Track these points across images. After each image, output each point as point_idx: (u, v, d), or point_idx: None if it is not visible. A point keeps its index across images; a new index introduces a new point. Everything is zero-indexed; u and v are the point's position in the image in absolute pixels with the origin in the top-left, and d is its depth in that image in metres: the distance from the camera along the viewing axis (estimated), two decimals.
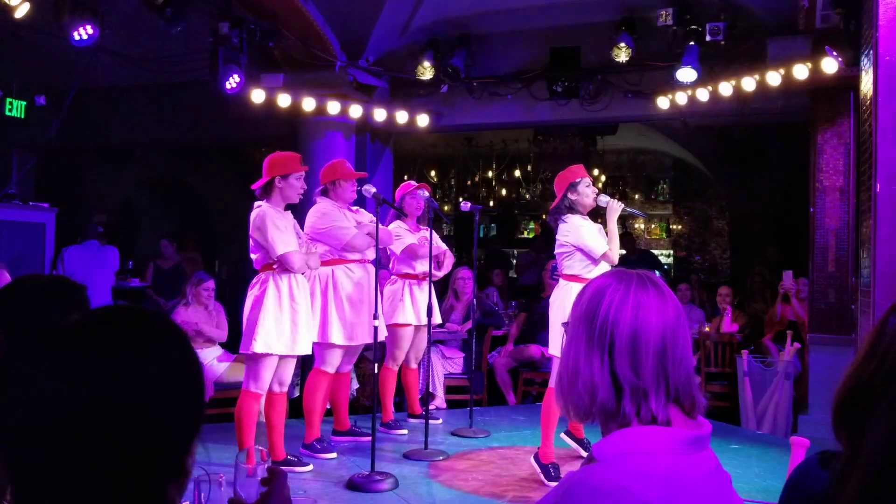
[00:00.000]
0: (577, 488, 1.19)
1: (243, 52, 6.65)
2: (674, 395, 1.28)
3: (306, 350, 4.55)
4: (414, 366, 5.79)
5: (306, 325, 4.51)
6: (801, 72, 6.28)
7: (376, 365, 4.76)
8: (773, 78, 6.51)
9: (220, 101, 7.30)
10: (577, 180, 4.64)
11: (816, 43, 6.18)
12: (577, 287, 4.29)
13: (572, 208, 4.65)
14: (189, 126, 9.42)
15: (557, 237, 4.67)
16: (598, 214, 4.76)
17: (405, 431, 5.53)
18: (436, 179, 14.05)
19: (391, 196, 6.38)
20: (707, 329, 7.19)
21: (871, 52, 2.74)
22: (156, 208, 12.63)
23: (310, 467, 4.59)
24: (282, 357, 4.47)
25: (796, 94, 6.70)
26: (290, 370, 4.61)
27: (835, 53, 5.79)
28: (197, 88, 7.61)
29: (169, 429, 0.91)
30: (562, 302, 4.49)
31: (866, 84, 2.98)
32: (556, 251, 4.70)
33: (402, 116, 8.12)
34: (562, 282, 4.62)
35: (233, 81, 6.66)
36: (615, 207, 4.68)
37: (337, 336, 4.86)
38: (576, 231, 4.57)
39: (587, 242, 4.52)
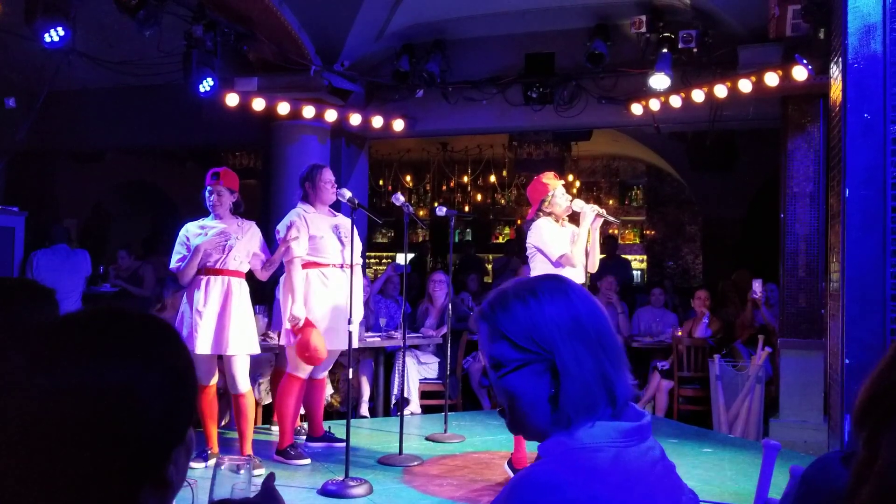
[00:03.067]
0: (522, 485, 1.20)
1: (217, 56, 6.61)
2: (611, 388, 1.29)
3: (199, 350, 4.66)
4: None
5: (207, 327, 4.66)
6: (772, 79, 6.37)
7: (351, 371, 4.74)
8: (745, 85, 6.59)
9: (194, 104, 7.25)
10: (548, 195, 4.70)
11: (787, 51, 6.27)
12: None
13: (547, 214, 4.72)
14: (162, 129, 9.33)
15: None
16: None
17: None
18: (411, 184, 14.05)
19: (366, 201, 6.36)
20: (680, 333, 7.25)
21: (840, 59, 2.78)
22: (127, 212, 12.50)
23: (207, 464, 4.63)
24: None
25: (767, 101, 6.80)
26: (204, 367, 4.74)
27: (805, 61, 5.88)
28: (170, 91, 7.55)
29: (146, 429, 0.87)
30: None
31: (835, 91, 3.03)
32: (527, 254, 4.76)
33: (377, 121, 8.11)
34: None
35: (206, 85, 6.61)
36: (587, 212, 4.73)
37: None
38: (537, 233, 4.65)
39: (545, 244, 4.58)
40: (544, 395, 1.28)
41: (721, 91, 6.83)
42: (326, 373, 5.37)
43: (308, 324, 4.75)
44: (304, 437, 5.37)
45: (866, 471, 0.84)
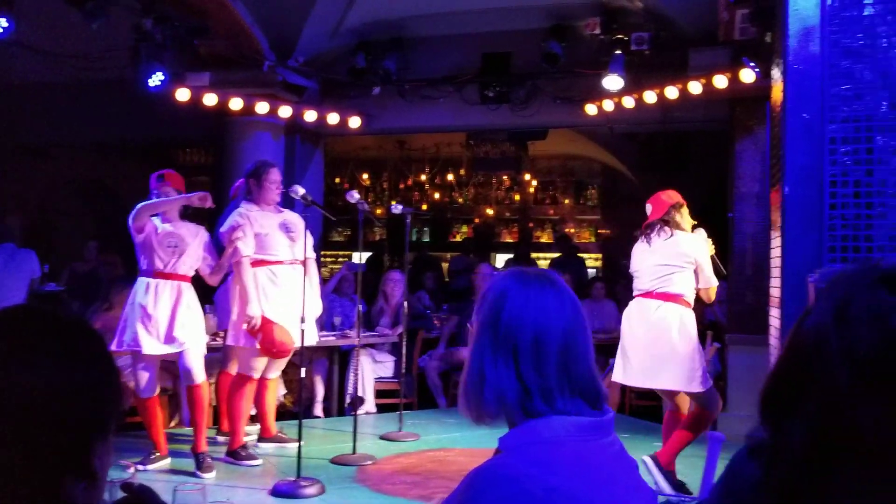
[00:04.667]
0: (481, 477, 1.21)
1: (167, 50, 6.50)
2: (577, 390, 1.31)
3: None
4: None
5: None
6: (720, 81, 6.49)
7: (303, 370, 4.71)
8: (695, 87, 6.71)
9: (143, 99, 7.11)
10: (681, 206, 4.58)
11: (735, 54, 6.39)
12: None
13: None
14: (110, 125, 9.15)
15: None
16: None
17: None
18: (368, 182, 13.98)
19: (321, 199, 6.32)
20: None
21: (781, 61, 2.85)
22: (75, 210, 12.22)
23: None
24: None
25: (717, 103, 6.92)
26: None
27: (752, 64, 6.00)
28: (118, 86, 7.40)
29: (65, 424, 0.91)
30: None
31: (776, 92, 3.10)
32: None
33: (332, 118, 8.06)
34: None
35: (156, 79, 6.50)
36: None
37: (251, 339, 4.79)
38: (698, 247, 4.51)
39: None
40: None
41: (672, 93, 6.94)
42: (279, 373, 5.31)
43: (266, 321, 4.70)
44: (256, 438, 5.31)
45: (773, 459, 0.86)
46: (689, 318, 4.40)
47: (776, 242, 3.00)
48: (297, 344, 4.73)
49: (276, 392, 5.48)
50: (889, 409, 0.80)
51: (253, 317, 4.69)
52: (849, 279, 0.88)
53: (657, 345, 4.33)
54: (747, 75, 6.16)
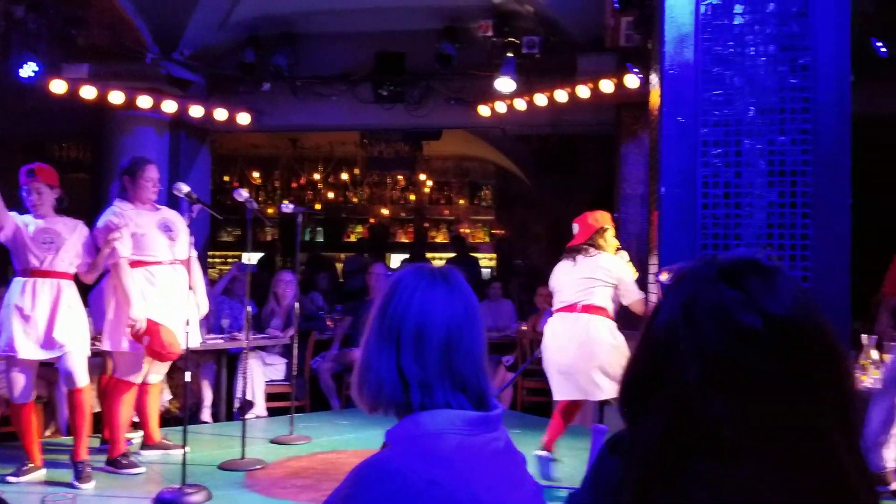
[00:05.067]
0: (365, 473, 1.21)
1: (42, 39, 6.17)
2: (460, 385, 1.31)
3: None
4: (153, 380, 5.03)
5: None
6: (607, 87, 6.72)
7: (188, 374, 4.55)
8: (583, 91, 6.91)
9: (15, 91, 6.71)
10: (607, 230, 4.63)
11: (621, 60, 6.63)
12: None
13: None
14: None
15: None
16: None
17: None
18: (259, 181, 13.69)
19: (208, 196, 6.13)
20: (524, 328, 7.47)
21: (659, 66, 2.97)
22: None
23: None
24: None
25: (604, 107, 7.16)
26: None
27: (636, 70, 6.24)
28: None
29: None
30: None
31: (654, 97, 3.23)
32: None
33: (220, 114, 7.84)
34: None
35: (29, 70, 6.17)
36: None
37: (132, 343, 4.60)
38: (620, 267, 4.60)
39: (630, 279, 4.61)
40: None
41: (562, 96, 7.12)
42: (161, 377, 5.12)
43: (152, 323, 4.52)
44: (139, 445, 5.11)
45: (631, 452, 0.89)
46: (615, 328, 4.52)
47: (654, 241, 3.12)
48: (182, 347, 4.58)
49: (159, 397, 5.29)
50: (736, 401, 0.83)
51: (137, 320, 4.49)
52: (692, 276, 0.91)
53: (584, 357, 4.42)
54: (632, 81, 6.40)
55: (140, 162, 4.84)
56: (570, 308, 4.52)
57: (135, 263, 4.64)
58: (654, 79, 3.22)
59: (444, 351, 1.30)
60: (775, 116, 2.78)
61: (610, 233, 4.65)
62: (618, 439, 1.02)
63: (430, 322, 1.31)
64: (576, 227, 4.71)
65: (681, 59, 2.80)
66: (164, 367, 5.04)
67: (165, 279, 4.70)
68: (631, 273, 4.59)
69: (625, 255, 4.79)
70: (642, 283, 5.30)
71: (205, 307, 5.01)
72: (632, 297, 4.54)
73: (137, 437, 5.18)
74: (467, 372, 1.32)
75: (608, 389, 4.42)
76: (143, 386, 4.89)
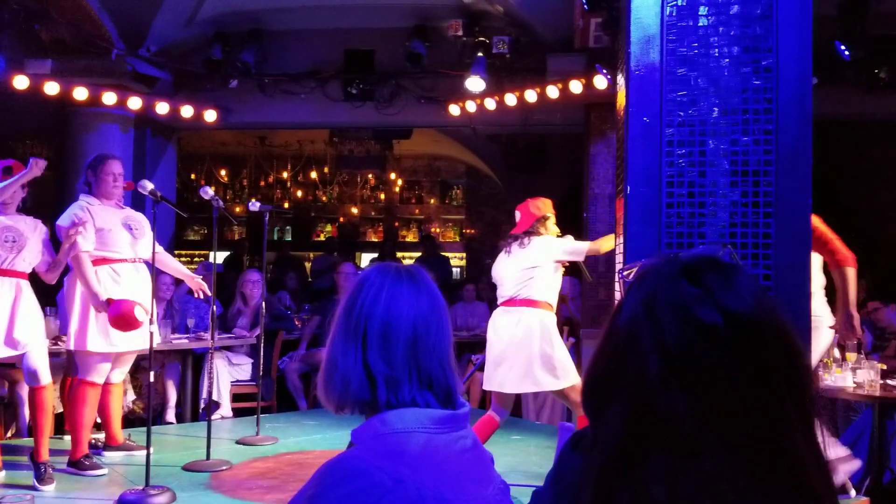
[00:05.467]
0: (331, 471, 1.21)
1: (4, 34, 6.06)
2: (427, 382, 1.31)
3: None
4: (115, 380, 4.95)
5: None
6: (576, 87, 6.76)
7: (152, 374, 4.49)
8: (553, 91, 6.95)
9: None
10: (548, 217, 4.64)
11: (590, 61, 6.68)
12: None
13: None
14: None
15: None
16: None
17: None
18: (227, 179, 13.56)
19: (174, 195, 6.06)
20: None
21: (625, 67, 2.99)
22: None
23: None
24: None
25: (573, 107, 7.21)
26: None
27: (605, 71, 6.28)
28: None
29: None
30: None
31: (621, 97, 3.26)
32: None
33: (186, 111, 7.75)
34: None
35: None
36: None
37: (95, 343, 4.53)
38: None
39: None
40: None
41: (531, 96, 7.15)
42: (124, 377, 5.05)
43: (112, 301, 4.45)
44: (102, 447, 5.03)
45: (593, 447, 0.89)
46: (550, 322, 4.53)
47: (620, 240, 3.16)
48: (143, 347, 4.51)
49: (122, 397, 5.21)
50: (695, 396, 0.84)
51: (101, 303, 4.42)
52: (654, 273, 0.92)
53: (522, 351, 4.43)
54: (600, 81, 6.45)
55: (102, 157, 4.78)
56: (511, 302, 4.54)
57: (98, 260, 4.57)
58: (620, 79, 3.24)
59: (411, 347, 1.30)
60: (738, 117, 2.81)
61: (551, 221, 4.68)
62: (581, 436, 1.03)
63: (396, 319, 1.31)
64: (518, 215, 4.72)
65: (646, 60, 2.83)
66: (127, 366, 4.97)
67: (128, 277, 4.64)
68: (564, 240, 4.60)
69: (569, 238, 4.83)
70: (609, 281, 5.35)
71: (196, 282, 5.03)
72: (580, 250, 4.56)
73: (101, 437, 5.10)
74: (434, 368, 1.32)
75: (545, 382, 4.44)
76: (106, 386, 4.81)
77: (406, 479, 1.17)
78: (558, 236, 4.68)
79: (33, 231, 4.52)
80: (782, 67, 2.71)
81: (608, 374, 0.91)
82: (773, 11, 2.74)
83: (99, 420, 5.06)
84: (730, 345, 0.85)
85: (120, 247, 4.63)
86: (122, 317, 4.40)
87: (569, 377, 4.43)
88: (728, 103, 2.77)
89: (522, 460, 4.88)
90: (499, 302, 4.66)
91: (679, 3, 2.81)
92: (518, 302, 4.51)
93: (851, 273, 4.09)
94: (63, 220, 4.56)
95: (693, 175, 2.79)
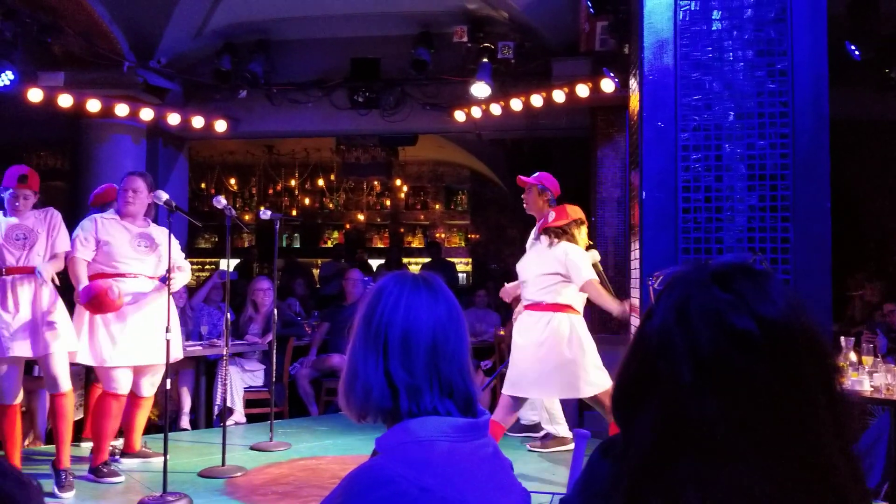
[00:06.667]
0: (356, 480, 1.22)
1: (17, 47, 6.11)
2: (448, 390, 1.33)
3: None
4: (145, 394, 4.96)
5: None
6: (582, 91, 6.78)
7: (169, 382, 4.53)
8: (558, 95, 6.97)
9: None
10: (580, 223, 4.61)
11: (596, 64, 6.70)
12: None
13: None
14: None
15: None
16: None
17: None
18: (236, 188, 13.62)
19: (186, 204, 6.09)
20: (502, 332, 7.50)
21: (638, 72, 3.02)
22: None
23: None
24: None
25: (579, 111, 7.23)
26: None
27: (612, 74, 6.30)
28: None
29: None
30: None
31: (634, 102, 3.28)
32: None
33: (197, 121, 7.81)
34: None
35: (5, 79, 6.11)
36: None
37: (109, 357, 4.57)
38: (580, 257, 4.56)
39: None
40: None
41: (537, 101, 7.18)
42: (153, 391, 5.05)
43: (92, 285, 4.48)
44: (118, 454, 5.06)
45: (624, 453, 0.91)
46: (580, 325, 4.51)
47: (635, 245, 3.17)
48: (162, 360, 4.53)
49: (149, 410, 5.22)
50: (729, 402, 0.85)
51: (83, 290, 4.45)
52: (684, 280, 0.93)
53: (550, 356, 4.41)
54: (607, 85, 6.47)
55: (127, 173, 4.86)
56: (537, 306, 4.54)
57: (96, 275, 4.60)
58: (633, 84, 3.26)
59: (431, 355, 1.31)
60: (754, 121, 2.83)
61: (584, 228, 4.67)
62: (610, 443, 1.03)
63: (415, 327, 1.32)
64: (552, 215, 4.71)
65: (660, 65, 2.85)
66: (157, 377, 4.96)
67: (133, 292, 4.67)
68: (586, 262, 4.50)
69: (595, 254, 4.80)
70: (621, 287, 5.36)
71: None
72: (579, 279, 4.42)
73: (119, 444, 5.14)
74: (454, 376, 1.33)
75: (574, 389, 4.44)
76: (137, 398, 4.86)
77: (431, 488, 1.19)
78: (588, 246, 4.67)
79: (43, 223, 4.51)
80: (797, 70, 2.73)
81: (639, 381, 0.92)
82: (787, 15, 2.76)
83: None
84: (764, 351, 0.85)
85: (120, 262, 4.65)
86: (95, 298, 4.41)
87: (600, 384, 4.41)
88: (743, 107, 2.79)
89: (536, 467, 4.89)
90: (524, 304, 4.64)
91: (692, 8, 2.83)
92: (544, 307, 4.50)
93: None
94: (76, 230, 4.63)
95: (709, 179, 2.81)
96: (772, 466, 0.83)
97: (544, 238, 4.62)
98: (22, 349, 4.34)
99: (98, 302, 4.42)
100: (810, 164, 2.71)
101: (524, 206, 5.16)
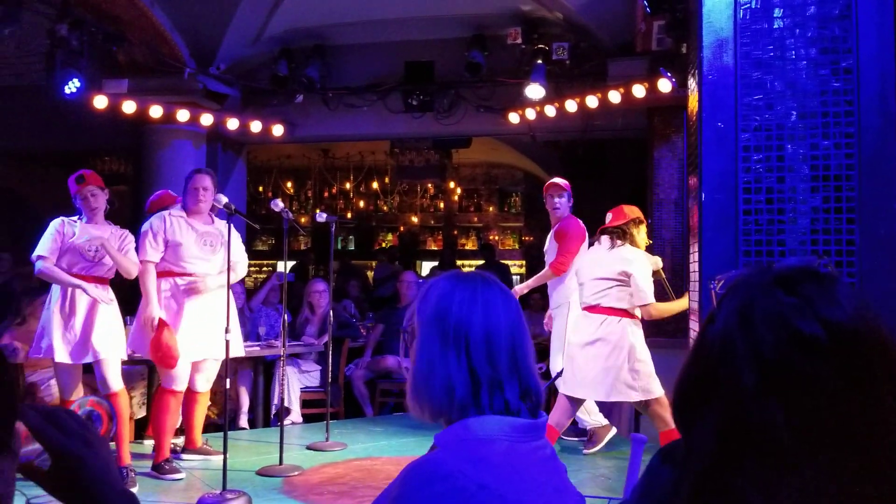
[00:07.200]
0: (414, 473, 1.22)
1: (84, 56, 6.30)
2: (524, 387, 1.33)
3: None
4: (200, 389, 5.08)
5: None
6: (639, 91, 6.70)
7: (228, 381, 4.62)
8: (614, 96, 6.89)
9: (58, 106, 6.87)
10: (640, 223, 4.61)
11: (653, 64, 6.61)
12: None
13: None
14: (23, 133, 8.79)
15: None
16: None
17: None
18: (292, 191, 13.84)
19: (245, 207, 6.21)
20: None
21: (697, 72, 2.97)
22: None
23: None
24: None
25: (635, 111, 7.14)
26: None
27: (669, 74, 6.21)
28: (32, 93, 7.13)
29: None
30: None
31: (693, 102, 3.23)
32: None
33: (255, 126, 7.95)
34: None
35: (72, 86, 6.30)
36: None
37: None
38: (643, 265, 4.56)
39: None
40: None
41: (592, 102, 7.11)
42: (210, 385, 5.18)
43: (162, 323, 4.61)
44: (180, 450, 5.19)
45: (686, 459, 0.89)
46: (634, 331, 4.45)
47: (694, 248, 3.12)
48: (221, 356, 4.64)
49: (206, 406, 5.36)
50: (794, 408, 0.83)
51: (152, 318, 4.60)
52: (747, 283, 0.91)
53: (601, 359, 4.40)
54: (664, 85, 6.37)
55: (194, 170, 4.97)
56: (593, 309, 4.51)
57: (164, 273, 4.73)
58: (691, 84, 3.21)
59: (511, 352, 1.32)
60: (818, 120, 2.76)
61: (644, 227, 4.61)
62: (671, 448, 1.02)
63: (496, 324, 1.33)
64: (609, 217, 4.67)
65: (719, 65, 2.80)
66: (212, 374, 5.10)
67: (192, 292, 4.78)
68: (647, 276, 4.48)
69: (658, 260, 4.75)
70: (678, 290, 5.28)
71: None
72: (639, 299, 4.42)
73: (180, 442, 5.27)
74: (530, 374, 1.34)
75: (626, 393, 4.40)
76: (192, 394, 4.99)
77: (489, 485, 1.19)
78: (649, 246, 4.63)
79: (116, 240, 4.65)
80: (863, 68, 2.65)
81: (700, 386, 0.91)
82: (852, 11, 2.69)
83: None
84: (831, 356, 0.83)
85: (188, 261, 4.77)
86: (161, 355, 4.59)
87: (650, 390, 4.37)
88: (806, 106, 2.72)
89: (590, 473, 4.85)
90: (581, 305, 4.62)
91: (752, 6, 2.78)
92: (600, 310, 4.47)
93: (547, 273, 5.59)
94: (144, 226, 4.74)
95: (771, 181, 2.74)
96: (838, 472, 0.81)
97: (605, 240, 4.59)
98: (76, 355, 4.49)
99: (162, 357, 4.60)
100: (876, 163, 2.63)
101: (554, 210, 5.77)
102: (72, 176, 4.68)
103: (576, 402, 4.61)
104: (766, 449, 0.83)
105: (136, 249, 4.69)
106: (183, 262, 4.76)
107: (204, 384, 5.05)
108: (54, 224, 4.57)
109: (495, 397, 1.30)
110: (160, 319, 4.63)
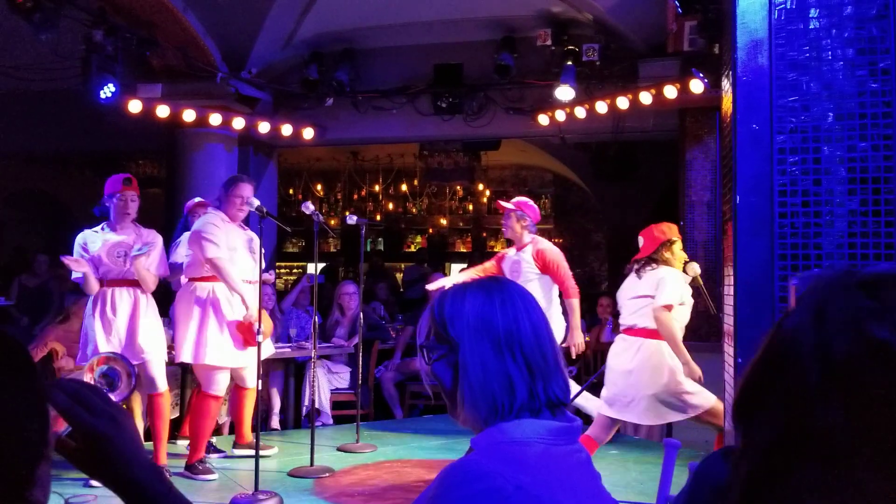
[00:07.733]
0: (452, 474, 1.22)
1: (118, 61, 6.41)
2: (563, 389, 1.34)
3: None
4: (249, 385, 5.13)
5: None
6: (670, 92, 6.63)
7: (259, 383, 4.68)
8: (646, 97, 6.84)
9: (94, 110, 6.99)
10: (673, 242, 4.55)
11: (684, 65, 6.54)
12: None
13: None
14: (59, 136, 8.96)
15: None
16: None
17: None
18: (322, 193, 13.93)
19: (276, 210, 6.26)
20: (587, 339, 7.41)
21: (731, 73, 2.94)
22: (21, 222, 11.92)
23: None
24: None
25: (666, 113, 7.07)
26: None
27: (701, 75, 6.14)
28: (68, 97, 7.26)
29: (11, 455, 0.81)
30: None
31: (727, 103, 3.19)
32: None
33: (286, 129, 8.02)
34: None
35: (107, 91, 6.40)
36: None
37: (211, 356, 4.73)
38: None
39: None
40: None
41: (623, 103, 7.06)
42: (257, 382, 5.22)
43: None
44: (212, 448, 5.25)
45: (741, 456, 0.89)
46: (670, 352, 4.37)
47: (729, 252, 3.08)
48: (254, 360, 4.68)
49: (254, 401, 5.40)
50: (855, 411, 0.82)
51: (251, 312, 4.64)
52: (828, 283, 0.90)
53: (642, 383, 4.35)
54: (696, 86, 6.31)
55: (235, 178, 4.99)
56: (630, 331, 4.46)
57: (212, 277, 4.78)
58: (725, 85, 3.17)
59: (553, 355, 1.34)
60: (855, 122, 2.71)
61: (677, 245, 4.53)
62: (731, 448, 1.02)
63: (539, 325, 1.35)
64: (641, 241, 4.61)
65: (754, 66, 2.77)
66: (253, 374, 5.13)
67: (246, 296, 4.83)
68: (675, 287, 4.39)
69: (695, 267, 4.68)
70: (714, 294, 5.23)
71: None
72: (659, 296, 4.31)
73: (212, 440, 5.33)
74: (564, 377, 1.36)
75: (670, 415, 4.35)
76: (241, 390, 5.09)
77: (526, 486, 1.19)
78: (686, 262, 4.56)
79: (144, 240, 4.69)
80: None
81: (764, 382, 0.90)
82: (890, 11, 2.64)
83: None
84: None
85: (241, 268, 4.81)
86: (245, 332, 4.65)
87: (698, 405, 4.30)
88: (843, 108, 2.67)
89: (622, 476, 4.82)
90: (620, 328, 4.59)
91: (787, 7, 2.74)
92: (636, 331, 4.42)
93: (575, 303, 5.25)
94: (199, 225, 4.76)
95: (807, 183, 2.70)
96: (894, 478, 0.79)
97: (637, 269, 4.55)
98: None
99: (246, 336, 4.66)
100: None
101: (503, 230, 5.47)
102: (117, 176, 4.74)
103: (616, 421, 4.58)
104: (825, 451, 0.81)
105: (200, 249, 4.66)
106: (237, 269, 4.79)
107: (252, 379, 5.09)
108: (77, 241, 4.66)
109: (549, 389, 1.31)
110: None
